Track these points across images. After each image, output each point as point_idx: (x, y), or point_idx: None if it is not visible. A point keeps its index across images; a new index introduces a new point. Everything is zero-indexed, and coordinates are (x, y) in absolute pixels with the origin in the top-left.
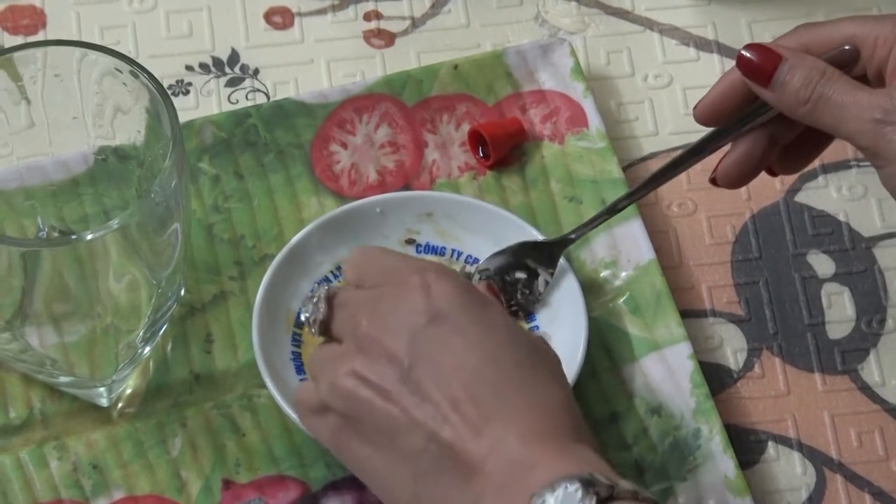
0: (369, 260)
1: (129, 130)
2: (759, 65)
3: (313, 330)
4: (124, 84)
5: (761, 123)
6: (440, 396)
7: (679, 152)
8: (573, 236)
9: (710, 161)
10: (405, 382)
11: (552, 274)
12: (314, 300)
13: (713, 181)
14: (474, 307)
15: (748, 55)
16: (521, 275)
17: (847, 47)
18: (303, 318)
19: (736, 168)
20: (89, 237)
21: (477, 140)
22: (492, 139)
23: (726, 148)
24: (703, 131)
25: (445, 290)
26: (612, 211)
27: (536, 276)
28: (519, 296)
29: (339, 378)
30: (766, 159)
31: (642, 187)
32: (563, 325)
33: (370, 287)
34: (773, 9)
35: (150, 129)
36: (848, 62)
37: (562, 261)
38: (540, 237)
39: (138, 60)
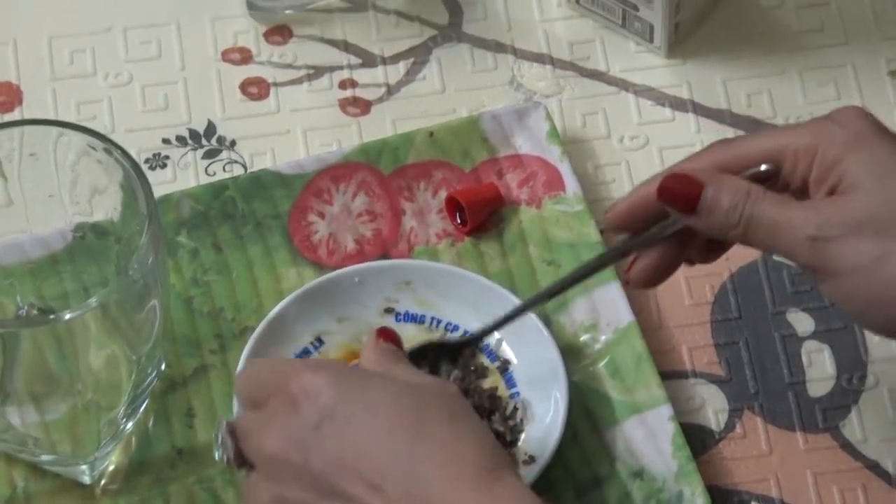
0: (253, 377)
1: (106, 207)
2: (681, 193)
3: (233, 466)
4: (99, 162)
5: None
6: (360, 489)
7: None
8: (478, 336)
9: None
10: (322, 490)
11: (454, 370)
12: (219, 440)
13: (626, 282)
14: (354, 391)
15: (668, 184)
16: (424, 369)
17: (764, 167)
18: (217, 458)
19: (651, 271)
20: (68, 316)
21: (454, 207)
22: (469, 206)
23: None
24: None
25: (322, 386)
26: (519, 311)
27: (439, 371)
28: None
29: None
30: (681, 257)
31: (560, 283)
32: (543, 389)
33: (262, 406)
34: (748, 67)
35: (126, 206)
36: (767, 180)
37: (541, 325)
38: (516, 300)
39: (115, 135)
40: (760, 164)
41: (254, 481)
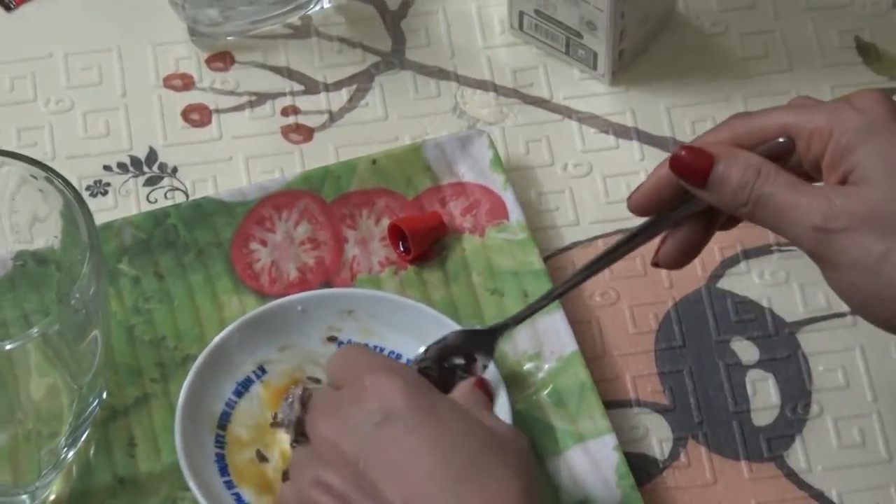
0: (341, 361)
1: (47, 235)
2: (693, 166)
3: (288, 431)
4: (40, 190)
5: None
6: (394, 497)
7: (619, 237)
8: (510, 322)
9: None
10: (361, 487)
11: (491, 359)
12: (289, 401)
13: (655, 264)
14: (425, 405)
15: (681, 155)
16: (459, 360)
17: (781, 139)
18: (278, 418)
19: (678, 251)
20: (9, 346)
21: (397, 235)
22: (412, 234)
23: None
24: (624, 220)
25: (395, 389)
26: (555, 296)
27: (474, 360)
28: (458, 381)
29: (305, 487)
30: (708, 236)
31: (590, 266)
32: None
33: (339, 388)
34: (691, 94)
35: (66, 234)
36: (783, 153)
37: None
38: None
39: (56, 161)
40: (777, 138)
41: (302, 456)
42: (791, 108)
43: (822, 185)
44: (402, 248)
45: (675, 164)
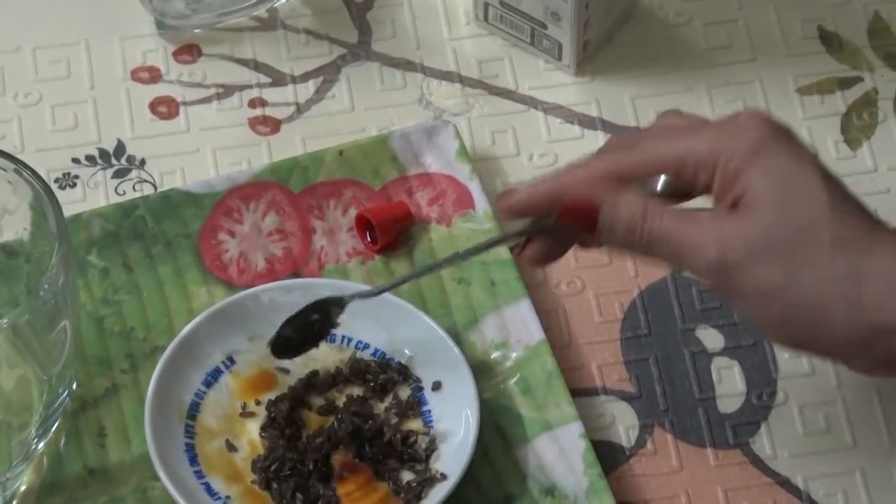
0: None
1: (16, 227)
2: (579, 217)
3: None
4: (9, 182)
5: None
6: None
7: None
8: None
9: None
10: None
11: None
12: None
13: (518, 256)
14: None
15: (566, 212)
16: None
17: (662, 178)
18: None
19: (544, 252)
20: None
21: (364, 225)
22: (379, 224)
23: None
24: None
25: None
26: (403, 280)
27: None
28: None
29: None
30: (575, 239)
31: (450, 259)
32: (454, 407)
33: None
34: (656, 84)
35: (35, 226)
36: (669, 188)
37: (452, 343)
38: (431, 323)
39: (24, 154)
40: (658, 174)
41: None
42: (673, 136)
43: (714, 212)
44: (369, 239)
45: (562, 215)
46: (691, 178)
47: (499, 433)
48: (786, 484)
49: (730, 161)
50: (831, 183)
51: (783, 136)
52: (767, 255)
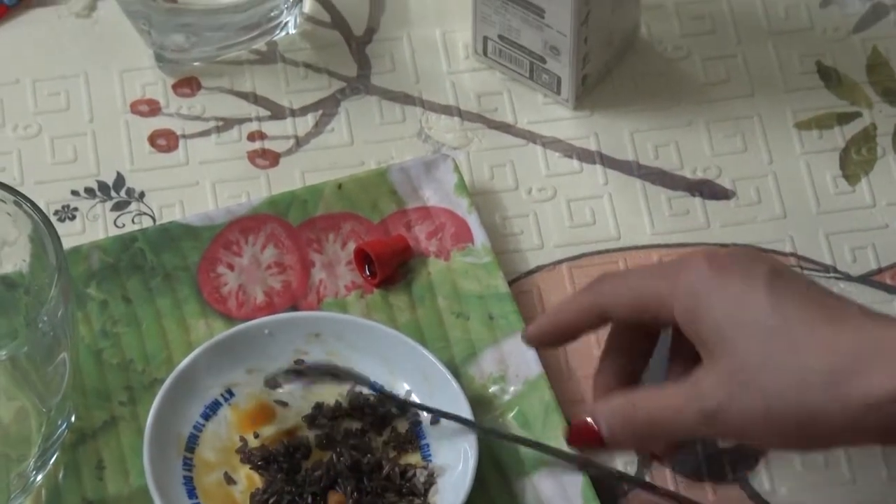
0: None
1: (16, 259)
2: (586, 441)
3: None
4: (8, 214)
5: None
6: None
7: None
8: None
9: (593, 271)
10: None
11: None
12: None
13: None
14: None
15: (573, 439)
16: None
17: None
18: None
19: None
20: None
21: (363, 258)
22: (378, 257)
23: None
24: (588, 243)
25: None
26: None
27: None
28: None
29: None
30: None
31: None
32: (453, 441)
33: None
34: (654, 118)
35: (35, 258)
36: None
37: (450, 377)
38: (429, 356)
39: (24, 187)
40: (630, 312)
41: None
42: (645, 282)
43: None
44: (367, 272)
45: (573, 442)
46: (666, 318)
47: (497, 467)
48: None
49: (684, 313)
50: (777, 292)
51: (727, 268)
52: (745, 393)
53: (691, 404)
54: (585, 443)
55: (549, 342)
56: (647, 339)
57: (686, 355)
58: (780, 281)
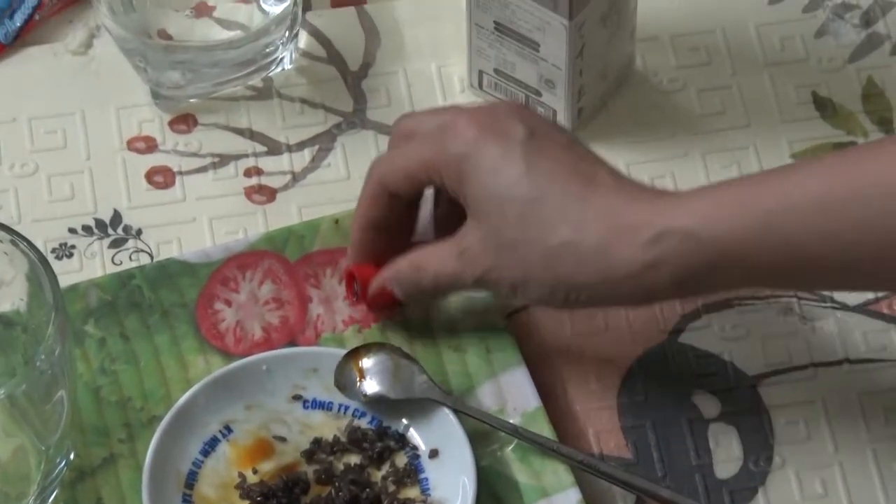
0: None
1: (13, 297)
2: (386, 303)
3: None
4: (5, 253)
5: None
6: None
7: None
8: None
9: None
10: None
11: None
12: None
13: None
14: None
15: (373, 304)
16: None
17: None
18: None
19: None
20: None
21: (352, 282)
22: (362, 279)
23: None
24: None
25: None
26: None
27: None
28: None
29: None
30: None
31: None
32: (451, 475)
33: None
34: (650, 150)
35: (32, 297)
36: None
37: (448, 410)
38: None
39: (21, 225)
40: (407, 185)
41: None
42: (410, 146)
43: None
44: (354, 296)
45: (372, 306)
46: (432, 186)
47: (496, 501)
48: None
49: (446, 169)
50: (532, 159)
51: (488, 133)
52: (503, 260)
53: (465, 269)
54: (385, 306)
55: (370, 250)
56: (408, 207)
57: (449, 211)
58: (535, 143)
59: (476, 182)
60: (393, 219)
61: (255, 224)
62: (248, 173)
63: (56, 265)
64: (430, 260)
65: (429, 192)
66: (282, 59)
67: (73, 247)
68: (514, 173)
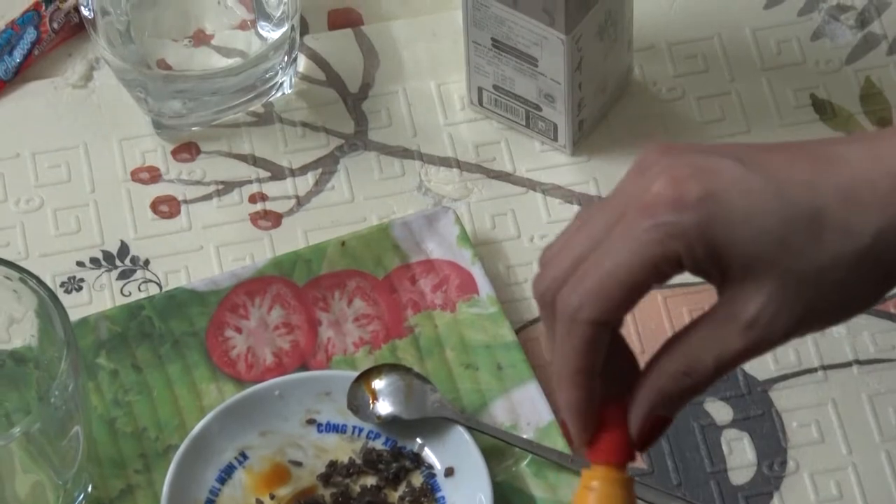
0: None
1: (24, 334)
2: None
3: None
4: (15, 291)
5: None
6: None
7: None
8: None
9: None
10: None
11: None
12: None
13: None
14: None
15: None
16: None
17: None
18: None
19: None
20: None
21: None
22: (609, 432)
23: None
24: None
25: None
26: None
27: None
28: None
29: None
30: None
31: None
32: (468, 492)
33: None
34: None
35: (43, 333)
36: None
37: (462, 428)
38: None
39: (29, 260)
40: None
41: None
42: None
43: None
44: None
45: (644, 445)
46: (654, 284)
47: None
48: None
49: (688, 249)
50: (766, 176)
51: (698, 183)
52: (817, 295)
53: (762, 337)
54: (656, 434)
55: (597, 398)
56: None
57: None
58: (745, 160)
59: (736, 237)
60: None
61: (261, 250)
62: (252, 199)
63: (65, 299)
64: (698, 356)
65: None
66: (281, 84)
67: (81, 280)
68: (765, 200)
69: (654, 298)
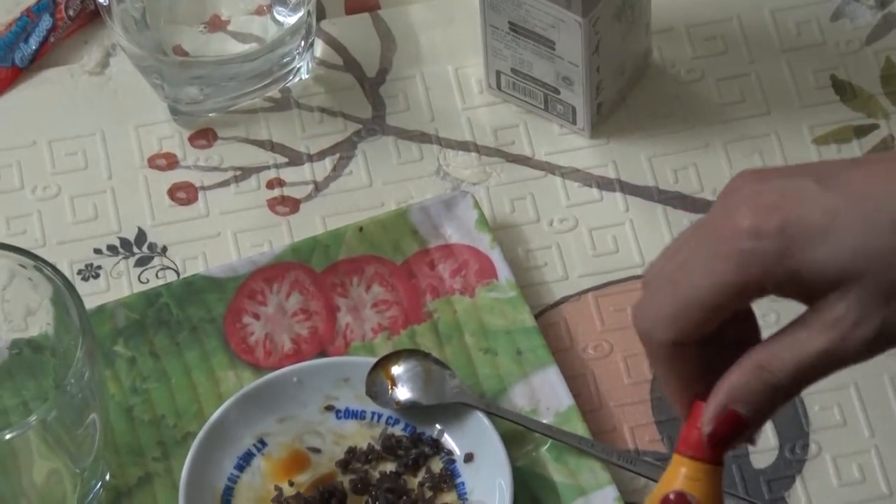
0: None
1: (40, 322)
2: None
3: None
4: (30, 279)
5: None
6: None
7: None
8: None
9: (618, 299)
10: None
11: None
12: None
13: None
14: None
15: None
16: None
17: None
18: None
19: None
20: (8, 436)
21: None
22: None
23: None
24: (612, 272)
25: None
26: None
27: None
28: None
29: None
30: None
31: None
32: (487, 478)
33: None
34: (671, 142)
35: (59, 320)
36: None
37: (482, 414)
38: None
39: (46, 248)
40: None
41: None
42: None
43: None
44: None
45: (718, 443)
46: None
47: (534, 501)
48: None
49: (770, 276)
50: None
51: (778, 204)
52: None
53: (846, 335)
54: (729, 436)
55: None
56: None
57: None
58: (824, 178)
59: (817, 256)
60: (700, 357)
61: (279, 236)
62: (270, 185)
63: (83, 286)
64: (776, 352)
65: None
66: (298, 69)
67: (99, 267)
68: (844, 217)
69: None
